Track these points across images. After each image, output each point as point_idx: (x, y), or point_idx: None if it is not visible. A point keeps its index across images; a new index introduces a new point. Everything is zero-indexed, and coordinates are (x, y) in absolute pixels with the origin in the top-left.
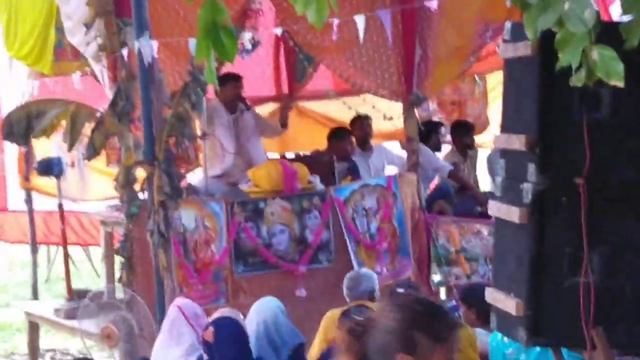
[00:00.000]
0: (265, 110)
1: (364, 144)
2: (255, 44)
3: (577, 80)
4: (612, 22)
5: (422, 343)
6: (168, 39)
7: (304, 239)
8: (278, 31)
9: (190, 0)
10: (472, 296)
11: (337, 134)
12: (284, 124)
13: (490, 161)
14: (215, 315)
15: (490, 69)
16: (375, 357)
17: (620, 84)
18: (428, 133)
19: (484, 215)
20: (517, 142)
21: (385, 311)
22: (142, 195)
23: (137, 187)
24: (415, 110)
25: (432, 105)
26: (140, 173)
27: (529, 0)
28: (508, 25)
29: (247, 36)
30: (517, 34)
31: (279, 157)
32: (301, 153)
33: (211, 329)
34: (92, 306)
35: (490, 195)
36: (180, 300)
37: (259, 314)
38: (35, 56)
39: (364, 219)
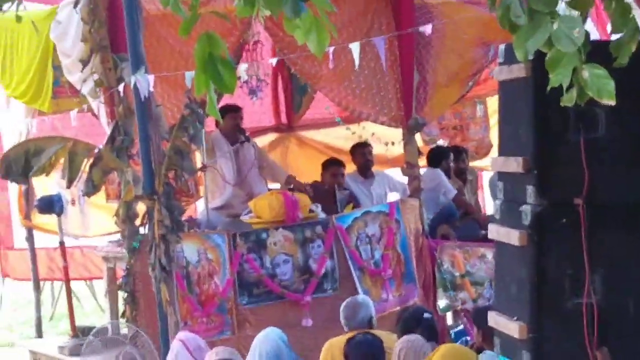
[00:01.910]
0: (264, 140)
1: (365, 171)
2: (259, 82)
3: (568, 100)
4: (602, 41)
5: None
6: (164, 73)
7: (308, 268)
8: (273, 61)
9: (184, 34)
10: (483, 317)
11: (325, 165)
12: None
13: (492, 184)
14: (212, 357)
15: (490, 92)
16: None
17: (612, 102)
18: (438, 158)
19: (488, 239)
20: (514, 165)
21: None
22: (143, 230)
23: (137, 221)
24: (418, 135)
25: (435, 130)
26: (141, 207)
27: (518, 21)
28: (502, 47)
29: (242, 68)
30: (512, 56)
31: (279, 187)
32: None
33: None
34: (96, 342)
35: (491, 218)
36: (183, 334)
37: (261, 346)
38: (32, 94)
39: (367, 246)
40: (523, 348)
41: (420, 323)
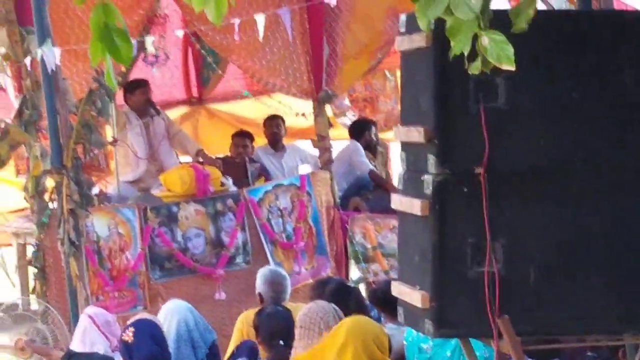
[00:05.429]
0: (175, 113)
1: (276, 144)
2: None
3: (474, 68)
4: (503, 10)
5: None
6: (72, 46)
7: (220, 241)
8: (180, 33)
9: (79, 3)
10: (376, 296)
11: (233, 137)
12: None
13: None
14: (134, 317)
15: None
16: None
17: (511, 67)
18: (361, 130)
19: None
20: (416, 135)
21: None
22: (52, 205)
23: (47, 196)
24: (329, 107)
25: (346, 101)
26: (50, 182)
27: None
28: (403, 17)
29: (149, 40)
30: (413, 26)
31: (191, 161)
32: (213, 156)
33: (131, 329)
34: (5, 318)
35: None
36: (91, 309)
37: (175, 316)
38: None
39: (279, 219)
40: (425, 317)
41: (324, 289)
